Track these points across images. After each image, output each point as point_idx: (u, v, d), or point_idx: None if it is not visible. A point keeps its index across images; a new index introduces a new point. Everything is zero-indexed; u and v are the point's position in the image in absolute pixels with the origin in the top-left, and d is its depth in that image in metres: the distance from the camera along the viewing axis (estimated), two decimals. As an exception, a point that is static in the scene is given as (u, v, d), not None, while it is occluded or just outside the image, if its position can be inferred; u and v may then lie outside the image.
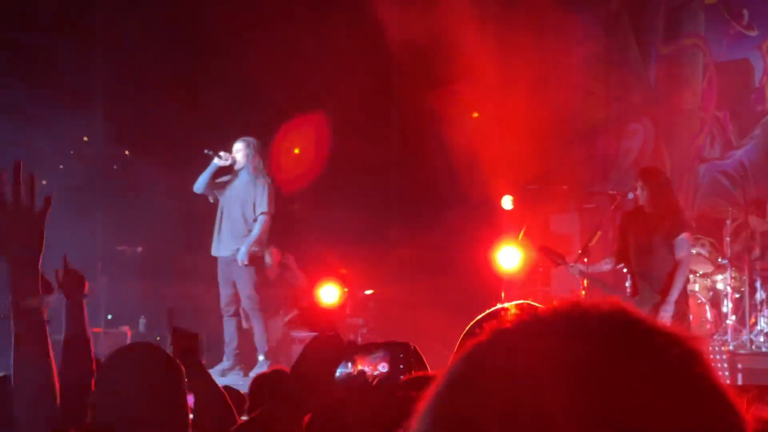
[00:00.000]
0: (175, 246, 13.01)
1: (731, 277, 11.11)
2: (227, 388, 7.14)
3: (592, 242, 9.79)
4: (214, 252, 11.39)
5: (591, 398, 0.93)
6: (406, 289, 12.85)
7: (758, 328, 10.87)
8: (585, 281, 9.55)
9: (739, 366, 10.29)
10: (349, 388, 3.19)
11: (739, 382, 9.94)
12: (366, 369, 3.29)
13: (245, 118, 13.06)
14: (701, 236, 11.80)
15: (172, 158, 12.92)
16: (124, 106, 13.75)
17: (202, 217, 12.10)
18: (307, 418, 3.27)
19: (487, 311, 2.23)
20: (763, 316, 10.88)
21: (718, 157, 13.85)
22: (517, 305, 2.04)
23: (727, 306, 11.12)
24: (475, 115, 13.82)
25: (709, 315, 11.36)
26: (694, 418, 0.95)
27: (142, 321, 12.69)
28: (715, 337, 10.94)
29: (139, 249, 13.48)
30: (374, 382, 3.23)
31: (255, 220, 11.20)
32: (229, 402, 4.30)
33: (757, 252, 11.07)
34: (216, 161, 11.27)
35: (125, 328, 12.25)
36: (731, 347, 10.61)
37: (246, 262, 11.08)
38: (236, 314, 11.34)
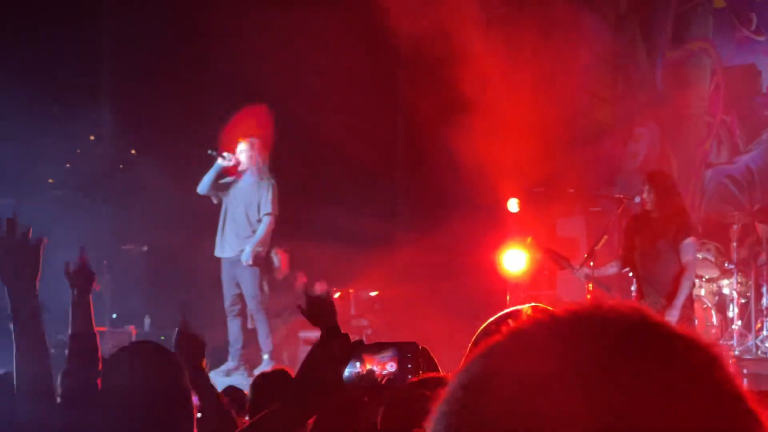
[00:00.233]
0: (181, 245, 13.01)
1: (737, 282, 11.09)
2: (232, 388, 7.16)
3: (598, 246, 9.78)
4: (217, 253, 11.40)
5: (609, 401, 0.92)
6: (412, 290, 12.85)
7: (764, 333, 10.86)
8: (590, 285, 9.54)
9: (745, 371, 10.27)
10: (357, 387, 3.19)
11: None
12: (374, 368, 3.29)
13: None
14: (707, 241, 11.79)
15: (179, 158, 12.93)
16: (130, 105, 13.76)
17: (208, 217, 12.10)
18: (311, 420, 3.27)
19: (502, 312, 2.22)
20: (769, 321, 10.88)
21: (725, 161, 13.83)
22: (532, 307, 2.03)
23: (732, 311, 11.11)
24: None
25: (714, 320, 11.35)
26: (714, 423, 0.94)
27: (147, 320, 12.70)
28: (720, 342, 10.92)
29: (145, 248, 13.49)
30: (383, 382, 3.23)
31: (259, 221, 11.20)
32: (230, 411, 4.30)
33: (763, 258, 11.05)
34: (220, 162, 11.27)
35: (130, 328, 12.25)
36: (737, 352, 10.60)
37: (250, 263, 11.08)
38: (240, 314, 11.35)
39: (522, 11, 13.38)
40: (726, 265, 11.39)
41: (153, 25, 13.31)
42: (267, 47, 13.35)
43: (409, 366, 3.34)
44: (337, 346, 3.40)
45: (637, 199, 9.45)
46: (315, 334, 3.70)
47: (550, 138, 12.93)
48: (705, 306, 11.31)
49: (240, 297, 11.27)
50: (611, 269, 9.70)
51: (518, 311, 2.17)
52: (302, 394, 3.35)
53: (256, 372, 10.26)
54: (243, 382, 9.34)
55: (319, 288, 12.43)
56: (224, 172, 11.39)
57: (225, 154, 11.25)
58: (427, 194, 14.32)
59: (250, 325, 11.47)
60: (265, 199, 11.22)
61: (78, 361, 4.06)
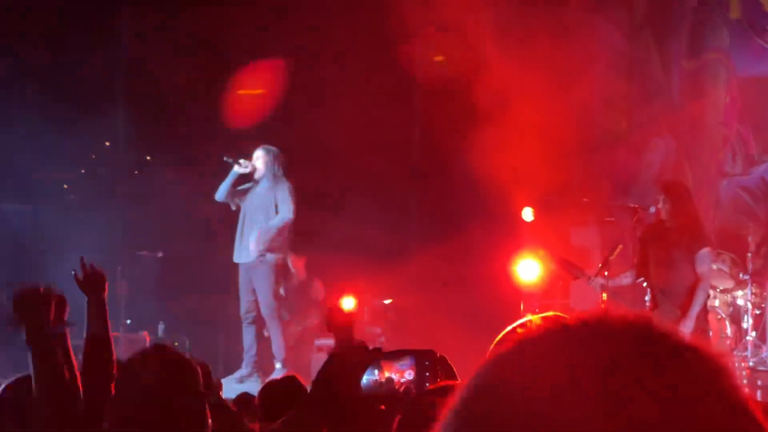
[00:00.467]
0: (195, 252, 13.03)
1: (752, 293, 11.06)
2: (245, 395, 7.17)
3: (612, 255, 9.75)
4: (236, 258, 11.42)
5: (617, 411, 0.93)
6: (425, 299, 12.84)
7: (778, 345, 10.82)
8: (604, 295, 9.52)
9: (759, 383, 10.24)
10: (374, 395, 3.19)
11: (758, 399, 9.88)
12: (393, 376, 3.29)
13: (266, 126, 13.08)
14: (722, 251, 11.75)
15: (194, 164, 12.96)
16: (145, 112, 13.80)
17: (223, 223, 12.13)
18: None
19: (518, 322, 2.22)
20: (784, 332, 10.84)
21: (740, 172, 13.80)
22: (543, 317, 2.03)
23: (747, 322, 11.07)
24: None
25: (729, 331, 11.30)
26: None
27: (161, 326, 12.72)
28: (734, 353, 10.89)
29: (160, 254, 13.51)
30: (401, 390, 3.22)
31: None
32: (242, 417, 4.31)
33: (778, 269, 11.03)
34: (236, 169, 11.32)
35: (144, 333, 12.27)
36: (751, 363, 10.55)
37: (260, 248, 11.10)
38: (256, 321, 11.36)
39: (536, 21, 13.37)
40: (741, 275, 11.36)
41: (169, 31, 13.34)
42: (279, 54, 13.40)
43: (427, 374, 3.33)
44: (354, 356, 3.40)
45: (652, 209, 9.42)
46: (330, 341, 3.70)
47: (564, 147, 12.92)
48: (719, 317, 11.27)
49: (256, 304, 11.29)
50: (625, 279, 9.68)
51: (530, 321, 2.18)
52: (319, 402, 3.36)
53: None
54: (256, 388, 9.32)
55: (297, 263, 12.48)
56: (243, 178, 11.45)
57: (241, 160, 11.29)
58: (442, 203, 14.32)
59: (266, 333, 11.49)
60: (283, 198, 11.27)
61: (93, 366, 4.08)
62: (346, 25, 13.35)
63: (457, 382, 3.00)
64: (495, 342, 2.19)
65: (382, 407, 3.20)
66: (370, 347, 3.51)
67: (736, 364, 10.39)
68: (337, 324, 3.87)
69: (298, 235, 11.71)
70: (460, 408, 1.00)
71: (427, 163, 14.85)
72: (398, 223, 14.42)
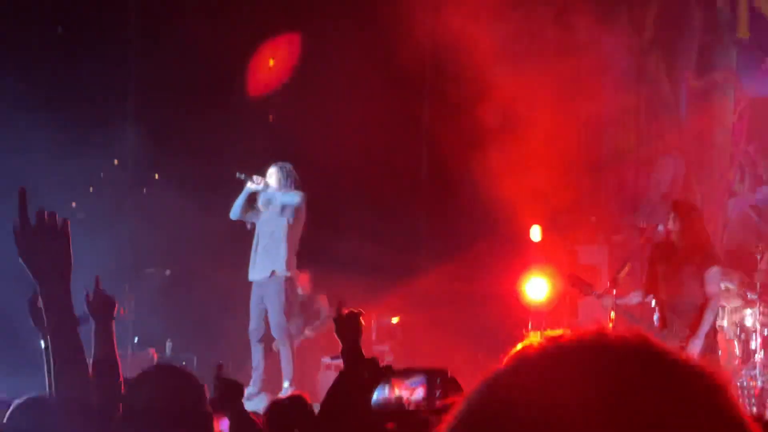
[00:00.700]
0: (203, 270, 13.03)
1: (760, 313, 11.02)
2: (252, 413, 7.14)
3: (621, 274, 9.73)
4: (250, 277, 11.35)
5: (612, 429, 0.92)
6: (433, 318, 12.82)
7: (788, 364, 10.77)
8: (612, 313, 9.50)
9: (768, 403, 10.19)
10: (384, 413, 3.18)
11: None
12: (403, 394, 3.27)
13: (275, 143, 13.11)
14: (730, 270, 11.72)
15: (202, 182, 12.97)
16: (154, 129, 13.81)
17: (231, 241, 12.12)
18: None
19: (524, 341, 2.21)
20: (793, 352, 10.79)
21: (748, 191, 13.79)
22: (541, 334, 2.02)
23: (755, 341, 11.03)
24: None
25: (737, 350, 11.27)
26: None
27: (168, 344, 12.70)
28: (743, 372, 10.84)
29: (167, 272, 13.51)
30: (410, 407, 3.21)
31: None
32: None
33: (787, 288, 10.98)
34: (249, 186, 11.21)
35: (152, 351, 12.26)
36: (759, 383, 10.51)
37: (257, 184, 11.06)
38: (264, 339, 11.32)
39: (545, 39, 13.40)
40: (749, 295, 11.33)
41: (177, 49, 13.37)
42: (291, 76, 13.44)
43: (438, 393, 3.32)
44: (364, 373, 3.40)
45: (661, 228, 9.41)
46: (337, 361, 3.70)
47: (572, 166, 12.94)
48: (728, 337, 11.24)
49: (265, 321, 11.23)
50: (635, 298, 9.66)
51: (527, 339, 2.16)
52: (329, 419, 3.35)
53: (277, 399, 10.27)
54: (263, 407, 9.33)
55: (303, 279, 12.48)
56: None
57: (254, 177, 11.20)
58: (450, 221, 14.32)
59: (275, 349, 11.46)
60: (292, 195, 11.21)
61: (100, 387, 4.07)
62: (355, 45, 13.37)
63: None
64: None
65: (391, 425, 3.19)
66: (382, 364, 3.50)
67: (745, 384, 10.35)
68: (345, 329, 3.86)
69: (304, 252, 11.69)
70: (457, 426, 1.00)
71: (436, 181, 14.86)
72: (406, 241, 14.42)
